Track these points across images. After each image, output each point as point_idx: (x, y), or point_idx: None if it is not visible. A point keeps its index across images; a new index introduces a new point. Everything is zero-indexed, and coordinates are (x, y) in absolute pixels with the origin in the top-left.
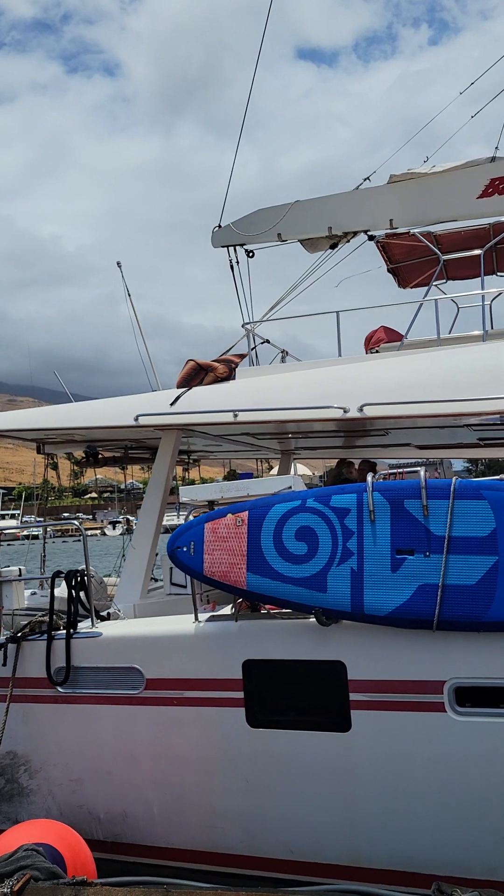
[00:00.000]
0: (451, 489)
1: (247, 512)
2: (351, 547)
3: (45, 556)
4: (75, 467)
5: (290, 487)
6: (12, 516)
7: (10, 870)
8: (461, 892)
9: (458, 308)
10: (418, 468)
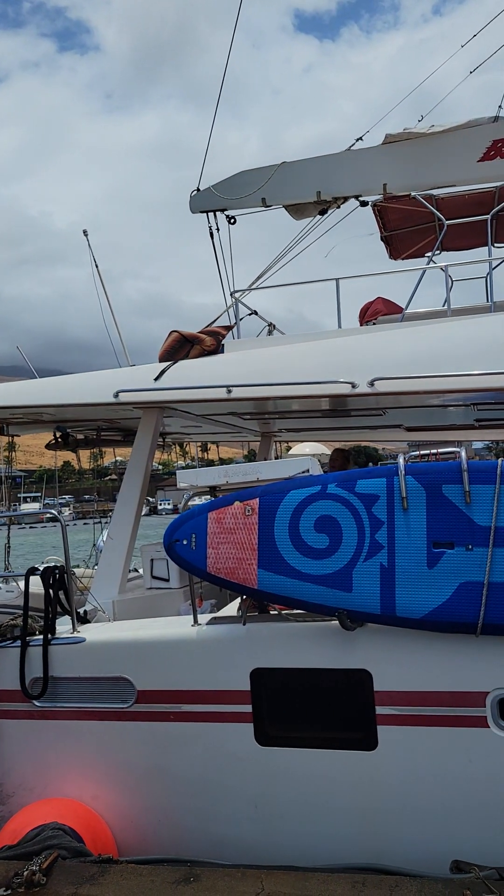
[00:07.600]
0: (498, 472)
1: (257, 499)
2: (380, 539)
3: (9, 546)
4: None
5: (308, 471)
6: (34, 499)
7: (37, 848)
8: (479, 869)
9: (452, 281)
10: (456, 449)
